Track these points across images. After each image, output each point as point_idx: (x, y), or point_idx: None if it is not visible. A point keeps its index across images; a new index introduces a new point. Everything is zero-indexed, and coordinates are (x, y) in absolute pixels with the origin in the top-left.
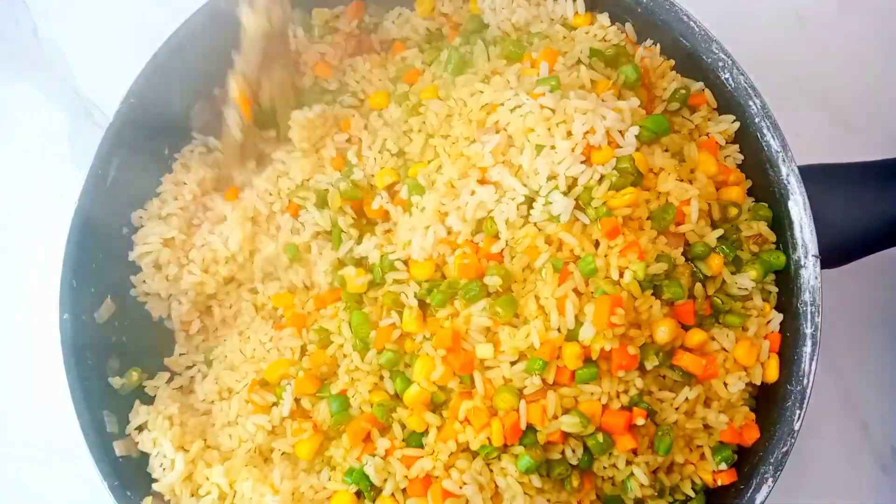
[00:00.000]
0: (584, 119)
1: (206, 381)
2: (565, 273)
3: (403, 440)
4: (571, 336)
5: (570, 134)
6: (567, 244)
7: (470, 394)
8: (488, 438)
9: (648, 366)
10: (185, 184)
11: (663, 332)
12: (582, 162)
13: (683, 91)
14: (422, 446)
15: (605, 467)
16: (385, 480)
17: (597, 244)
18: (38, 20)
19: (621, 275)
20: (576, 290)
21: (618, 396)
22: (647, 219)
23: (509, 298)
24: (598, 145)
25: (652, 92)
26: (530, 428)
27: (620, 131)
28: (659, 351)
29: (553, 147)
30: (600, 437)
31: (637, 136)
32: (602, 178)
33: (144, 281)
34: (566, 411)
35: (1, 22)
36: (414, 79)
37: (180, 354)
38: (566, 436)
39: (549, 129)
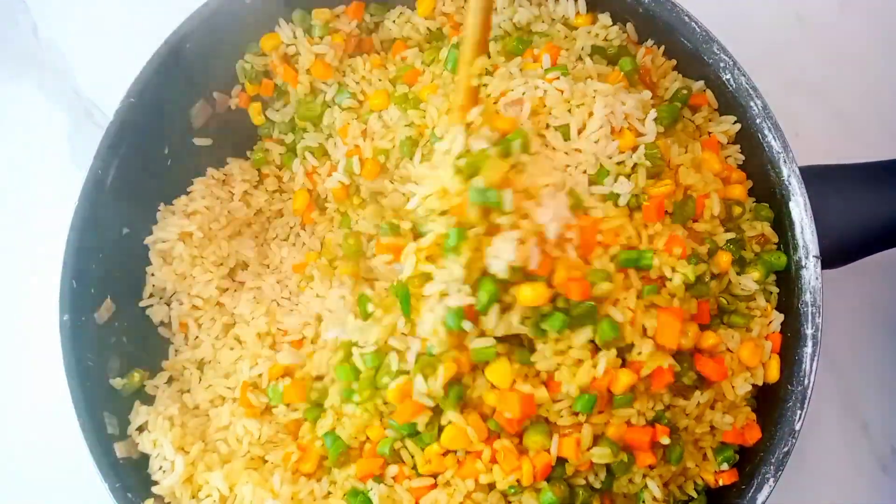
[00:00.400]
0: (605, 101)
1: (199, 385)
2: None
3: (414, 467)
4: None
5: (591, 115)
6: (625, 231)
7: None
8: (517, 480)
9: (687, 381)
10: (219, 187)
11: (688, 335)
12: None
13: (685, 91)
14: (434, 475)
15: (623, 484)
16: None
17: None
18: (38, 20)
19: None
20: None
21: (643, 414)
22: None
23: (612, 323)
24: (620, 128)
25: (654, 92)
26: (559, 461)
27: (639, 119)
28: (685, 361)
29: (581, 129)
30: (625, 457)
31: (655, 121)
32: (636, 165)
33: (153, 274)
34: (596, 439)
35: (1, 22)
36: (414, 80)
37: (176, 352)
38: (593, 463)
39: (568, 111)
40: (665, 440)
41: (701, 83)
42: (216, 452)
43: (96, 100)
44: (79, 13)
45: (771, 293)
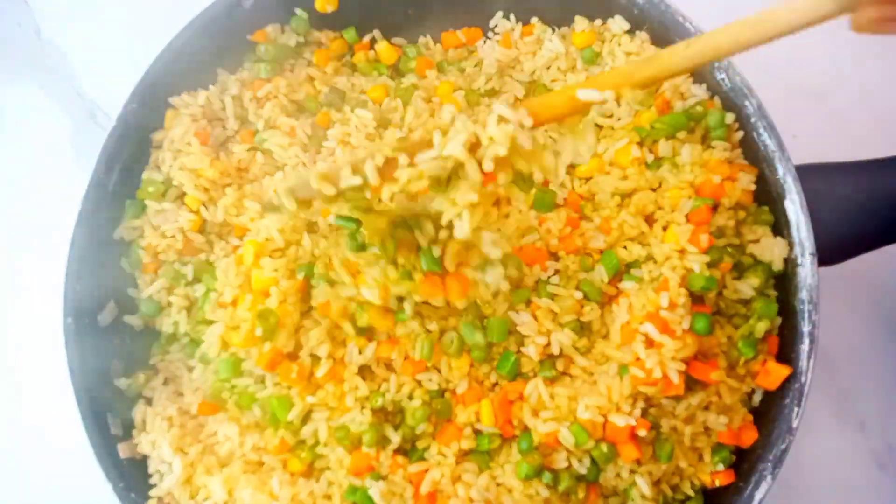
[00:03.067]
0: None
1: (189, 388)
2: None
3: (404, 453)
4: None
5: None
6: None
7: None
8: (476, 414)
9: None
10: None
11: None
12: None
13: (700, 108)
14: (423, 458)
15: (610, 477)
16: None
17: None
18: (41, 22)
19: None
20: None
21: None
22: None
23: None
24: None
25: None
26: (526, 431)
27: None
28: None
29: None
30: (604, 447)
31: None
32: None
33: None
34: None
35: (4, 24)
36: (423, 73)
37: (165, 355)
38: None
39: None
40: (642, 432)
41: (703, 87)
42: (214, 455)
43: (99, 101)
44: (81, 15)
45: (769, 296)
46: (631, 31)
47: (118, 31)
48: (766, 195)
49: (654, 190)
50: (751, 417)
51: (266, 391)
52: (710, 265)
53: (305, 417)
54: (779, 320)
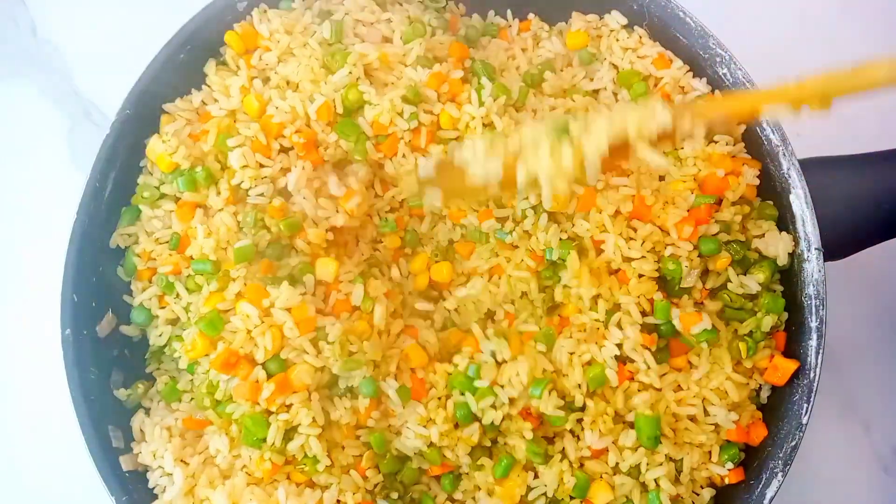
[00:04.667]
0: None
1: (186, 397)
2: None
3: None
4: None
5: None
6: None
7: None
8: None
9: None
10: None
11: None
12: None
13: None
14: None
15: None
16: None
17: None
18: (37, 20)
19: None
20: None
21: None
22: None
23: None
24: None
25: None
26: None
27: None
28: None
29: None
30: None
31: None
32: None
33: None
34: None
35: None
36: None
37: (160, 364)
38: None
39: None
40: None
41: (703, 81)
42: (216, 466)
43: (95, 99)
44: (78, 13)
45: (775, 291)
46: (629, 27)
47: (115, 28)
48: (771, 190)
49: (660, 179)
50: (760, 414)
51: (241, 408)
52: (700, 255)
53: (290, 432)
54: (785, 315)
